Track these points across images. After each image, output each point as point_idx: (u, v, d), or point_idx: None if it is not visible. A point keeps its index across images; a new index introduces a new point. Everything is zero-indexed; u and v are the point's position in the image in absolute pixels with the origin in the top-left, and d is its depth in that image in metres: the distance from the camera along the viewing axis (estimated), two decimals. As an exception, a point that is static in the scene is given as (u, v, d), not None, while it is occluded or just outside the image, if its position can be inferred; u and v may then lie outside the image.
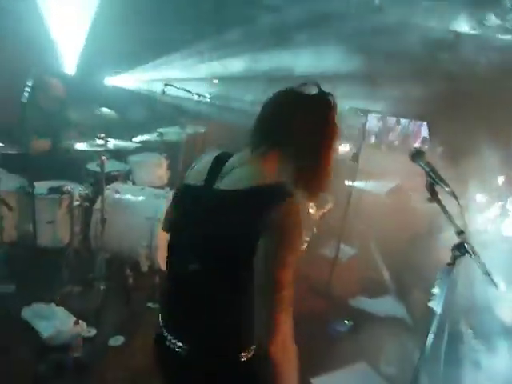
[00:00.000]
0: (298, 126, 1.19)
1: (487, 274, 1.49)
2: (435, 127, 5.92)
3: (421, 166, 1.57)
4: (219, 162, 1.25)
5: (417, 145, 6.41)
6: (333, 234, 3.73)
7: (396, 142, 6.28)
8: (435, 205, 1.56)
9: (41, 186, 3.09)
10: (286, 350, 1.10)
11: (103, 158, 3.03)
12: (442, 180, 1.56)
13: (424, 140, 6.37)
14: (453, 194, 1.55)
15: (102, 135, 3.05)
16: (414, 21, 4.25)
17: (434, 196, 1.55)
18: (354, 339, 2.97)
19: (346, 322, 3.10)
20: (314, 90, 1.22)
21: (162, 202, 3.25)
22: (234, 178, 1.19)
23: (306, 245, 3.17)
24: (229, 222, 1.14)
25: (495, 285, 1.53)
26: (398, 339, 2.89)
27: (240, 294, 1.16)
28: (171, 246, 1.30)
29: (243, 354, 1.22)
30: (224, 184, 1.20)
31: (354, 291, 3.51)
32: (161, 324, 1.31)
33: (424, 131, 6.50)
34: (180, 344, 1.24)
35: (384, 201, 4.35)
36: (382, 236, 3.88)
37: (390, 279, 3.77)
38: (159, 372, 1.36)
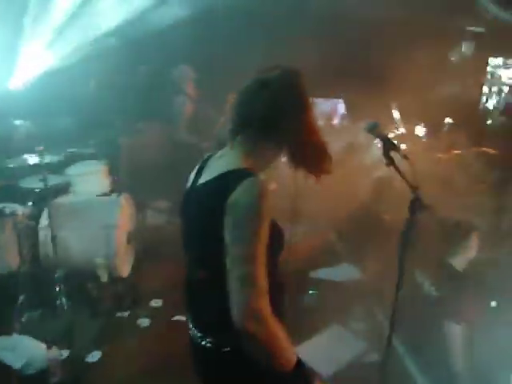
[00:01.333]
0: (269, 109, 1.22)
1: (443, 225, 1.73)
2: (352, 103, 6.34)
3: (378, 136, 1.76)
4: (205, 161, 1.35)
5: (336, 121, 6.86)
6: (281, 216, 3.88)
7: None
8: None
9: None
10: (263, 323, 1.07)
11: (46, 172, 2.87)
12: (394, 146, 1.76)
13: (343, 116, 6.82)
14: (404, 157, 1.76)
15: (40, 148, 2.87)
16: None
17: (390, 161, 1.74)
18: (322, 306, 3.19)
19: (311, 291, 3.30)
20: (277, 71, 1.25)
21: (115, 208, 3.17)
22: (210, 171, 1.27)
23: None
24: (204, 212, 1.20)
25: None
26: (359, 299, 3.18)
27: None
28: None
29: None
30: (203, 178, 1.28)
31: (312, 265, 3.73)
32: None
33: (341, 108, 6.95)
34: (193, 329, 1.31)
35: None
36: (331, 207, 4.10)
37: (342, 247, 4.07)
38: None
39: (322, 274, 3.62)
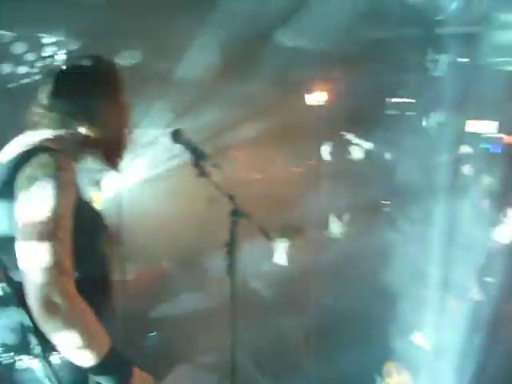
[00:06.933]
0: (73, 95, 1.21)
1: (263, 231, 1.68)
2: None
3: (184, 145, 1.57)
4: None
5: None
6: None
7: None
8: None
9: None
10: (65, 304, 0.94)
11: None
12: (204, 155, 1.60)
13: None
14: (215, 166, 1.62)
15: None
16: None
17: (201, 170, 1.58)
18: (165, 346, 2.88)
19: (151, 334, 2.98)
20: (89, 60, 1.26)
21: None
22: (11, 150, 1.16)
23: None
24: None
25: (269, 238, 1.71)
26: (203, 329, 2.95)
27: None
28: None
29: None
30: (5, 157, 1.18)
31: (150, 303, 3.37)
32: None
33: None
34: None
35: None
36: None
37: (179, 276, 3.80)
38: None
39: (164, 310, 3.30)
